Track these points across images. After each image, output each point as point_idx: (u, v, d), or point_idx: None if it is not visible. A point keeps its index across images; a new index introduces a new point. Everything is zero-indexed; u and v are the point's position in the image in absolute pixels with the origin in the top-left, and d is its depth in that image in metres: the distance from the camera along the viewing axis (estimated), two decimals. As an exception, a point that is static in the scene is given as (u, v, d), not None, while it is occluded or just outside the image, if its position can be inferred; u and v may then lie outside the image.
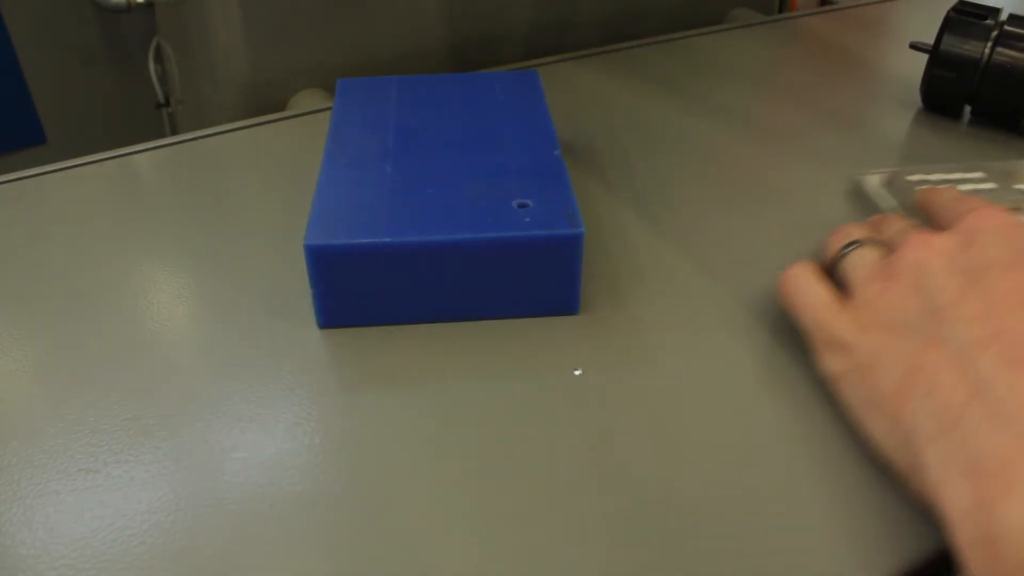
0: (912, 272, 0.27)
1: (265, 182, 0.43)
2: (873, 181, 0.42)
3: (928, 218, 0.33)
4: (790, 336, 0.32)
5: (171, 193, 0.42)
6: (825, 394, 0.29)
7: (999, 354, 0.23)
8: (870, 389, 0.26)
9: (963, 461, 0.22)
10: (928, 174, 0.41)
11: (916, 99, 0.51)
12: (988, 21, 0.46)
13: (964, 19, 0.47)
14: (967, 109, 0.49)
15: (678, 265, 0.36)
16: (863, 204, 0.41)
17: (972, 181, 0.40)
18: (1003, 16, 0.46)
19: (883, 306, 0.27)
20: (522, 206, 0.31)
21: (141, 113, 0.88)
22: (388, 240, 0.30)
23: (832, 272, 0.31)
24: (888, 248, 0.30)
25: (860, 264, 0.30)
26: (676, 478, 0.27)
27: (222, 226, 0.39)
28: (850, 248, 0.31)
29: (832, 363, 0.28)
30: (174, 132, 0.82)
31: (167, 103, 0.81)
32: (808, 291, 0.30)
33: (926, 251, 0.27)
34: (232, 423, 0.28)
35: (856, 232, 0.32)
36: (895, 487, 0.26)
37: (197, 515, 0.25)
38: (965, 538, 0.21)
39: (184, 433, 0.28)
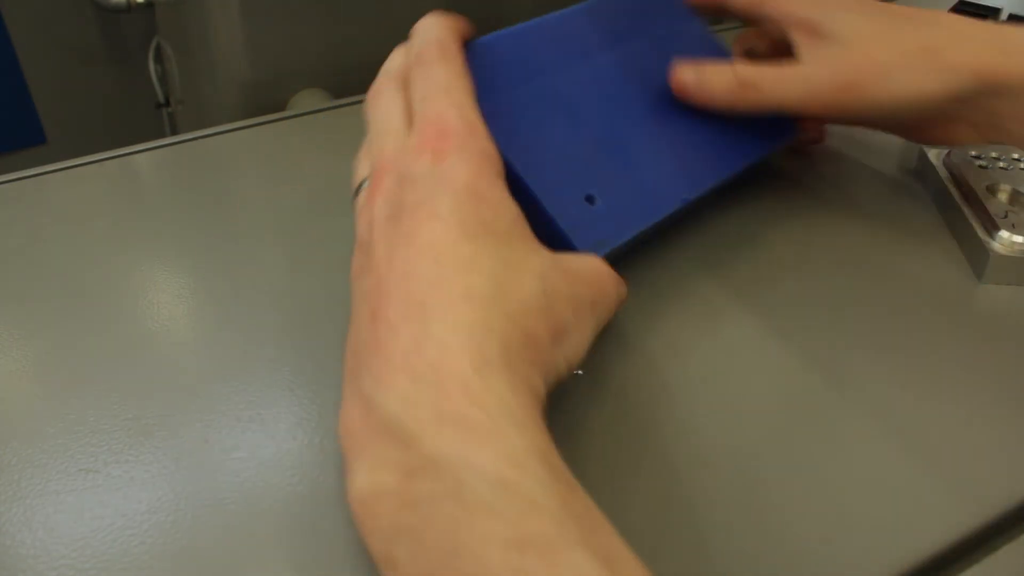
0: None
1: (265, 182, 0.43)
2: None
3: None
4: (793, 331, 0.32)
5: (171, 193, 0.42)
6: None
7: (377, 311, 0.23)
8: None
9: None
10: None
11: (916, 99, 0.51)
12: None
13: (964, 19, 0.47)
14: (967, 109, 0.49)
15: (678, 264, 0.36)
16: (861, 197, 0.41)
17: None
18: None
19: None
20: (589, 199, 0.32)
21: (141, 113, 0.88)
22: None
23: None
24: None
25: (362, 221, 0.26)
26: (676, 477, 0.27)
27: (222, 226, 0.39)
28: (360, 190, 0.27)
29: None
30: (174, 132, 0.82)
31: (167, 103, 0.81)
32: None
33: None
34: (232, 423, 0.28)
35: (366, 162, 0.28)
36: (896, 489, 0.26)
37: (197, 515, 0.25)
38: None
39: (184, 433, 0.28)
